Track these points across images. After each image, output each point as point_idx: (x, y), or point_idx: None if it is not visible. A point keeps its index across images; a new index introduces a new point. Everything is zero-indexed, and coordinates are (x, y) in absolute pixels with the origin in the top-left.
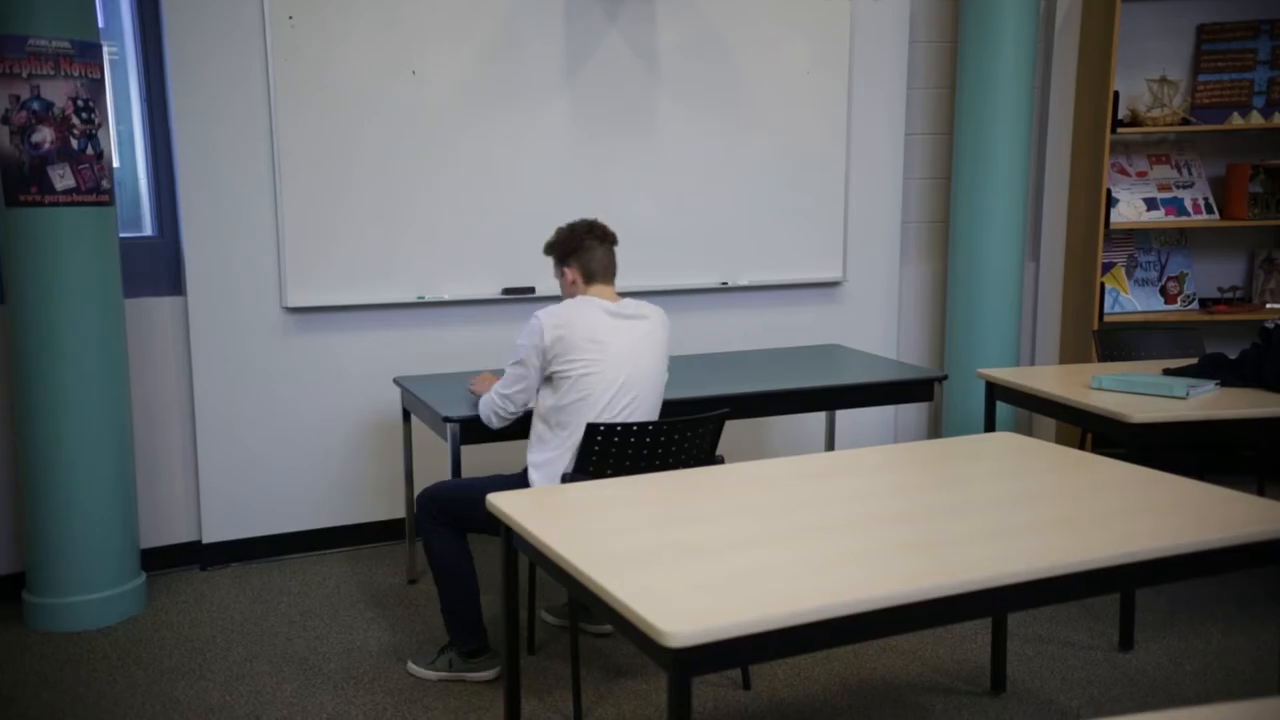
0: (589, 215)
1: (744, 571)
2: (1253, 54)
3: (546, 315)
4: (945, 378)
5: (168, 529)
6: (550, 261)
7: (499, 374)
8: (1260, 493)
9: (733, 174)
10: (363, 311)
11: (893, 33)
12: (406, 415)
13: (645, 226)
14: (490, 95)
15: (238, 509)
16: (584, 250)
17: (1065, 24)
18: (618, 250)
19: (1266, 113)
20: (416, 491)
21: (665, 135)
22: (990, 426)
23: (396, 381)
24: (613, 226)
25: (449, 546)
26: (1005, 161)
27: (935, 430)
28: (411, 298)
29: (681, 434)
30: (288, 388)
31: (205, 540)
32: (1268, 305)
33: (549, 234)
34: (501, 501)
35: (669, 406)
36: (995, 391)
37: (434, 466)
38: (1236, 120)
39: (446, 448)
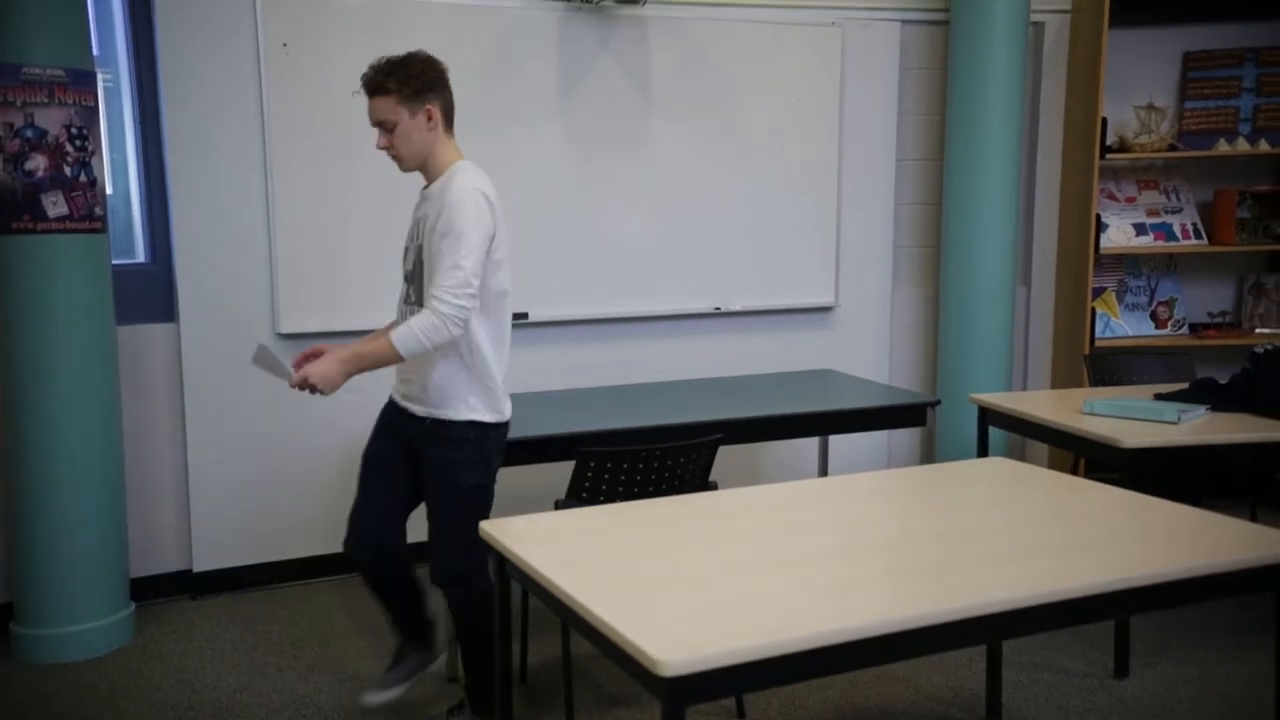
0: (584, 238)
1: (738, 599)
2: (1238, 81)
3: (483, 182)
4: (938, 403)
5: (158, 558)
6: (397, 107)
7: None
8: (1253, 518)
9: (726, 198)
10: (357, 337)
11: (883, 60)
12: None
13: (638, 250)
14: (484, 119)
15: (229, 537)
16: (446, 85)
17: (1053, 51)
18: (611, 273)
19: (1252, 139)
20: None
21: (658, 159)
22: (983, 451)
23: None
24: (606, 250)
25: (489, 596)
26: (996, 186)
27: (929, 455)
28: None
29: (675, 460)
30: (280, 414)
31: (196, 569)
32: (1257, 330)
33: (543, 258)
34: (494, 529)
35: (662, 431)
36: (988, 416)
37: None
38: (1223, 146)
39: None
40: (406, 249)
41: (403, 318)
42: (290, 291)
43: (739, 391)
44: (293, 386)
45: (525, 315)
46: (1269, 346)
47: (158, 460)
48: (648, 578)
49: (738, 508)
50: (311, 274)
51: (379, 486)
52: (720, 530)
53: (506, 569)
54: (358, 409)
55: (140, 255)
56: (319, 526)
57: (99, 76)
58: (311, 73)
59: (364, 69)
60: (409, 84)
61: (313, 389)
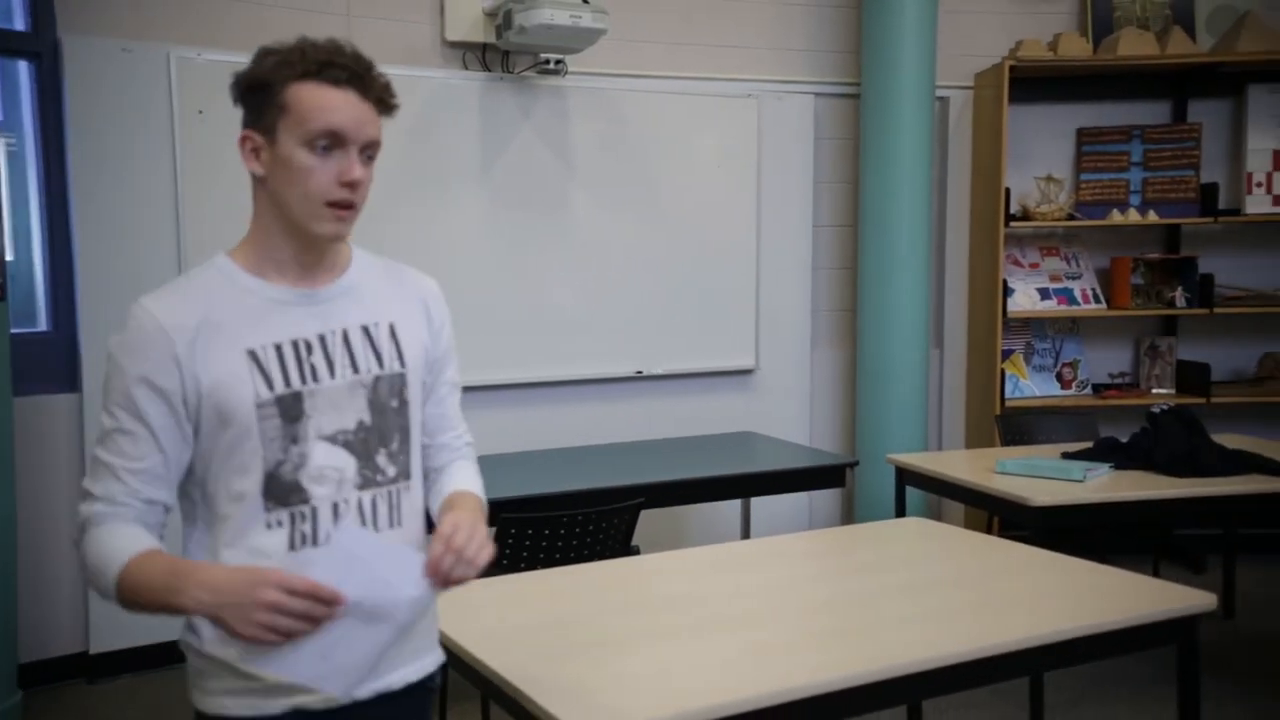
0: (505, 304)
1: (661, 665)
2: (1126, 156)
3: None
4: (856, 463)
5: (53, 640)
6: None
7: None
8: (1155, 572)
9: (647, 263)
10: None
11: (798, 130)
12: None
13: (560, 315)
14: (403, 186)
15: (128, 616)
16: None
17: (958, 124)
18: (532, 338)
19: (1142, 210)
20: None
21: (581, 225)
22: (901, 511)
23: None
24: (528, 315)
25: None
26: (907, 253)
27: (848, 515)
28: None
29: (597, 524)
30: None
31: (93, 650)
32: (1153, 390)
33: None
34: None
35: (584, 496)
36: (905, 476)
37: None
38: (1116, 216)
39: None
40: (297, 395)
41: (354, 516)
42: None
43: (661, 455)
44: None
45: None
46: (1165, 407)
47: (55, 536)
48: (569, 646)
49: (660, 572)
50: None
51: None
52: (642, 595)
53: None
54: None
55: (42, 323)
56: None
57: (2, 141)
58: (230, 139)
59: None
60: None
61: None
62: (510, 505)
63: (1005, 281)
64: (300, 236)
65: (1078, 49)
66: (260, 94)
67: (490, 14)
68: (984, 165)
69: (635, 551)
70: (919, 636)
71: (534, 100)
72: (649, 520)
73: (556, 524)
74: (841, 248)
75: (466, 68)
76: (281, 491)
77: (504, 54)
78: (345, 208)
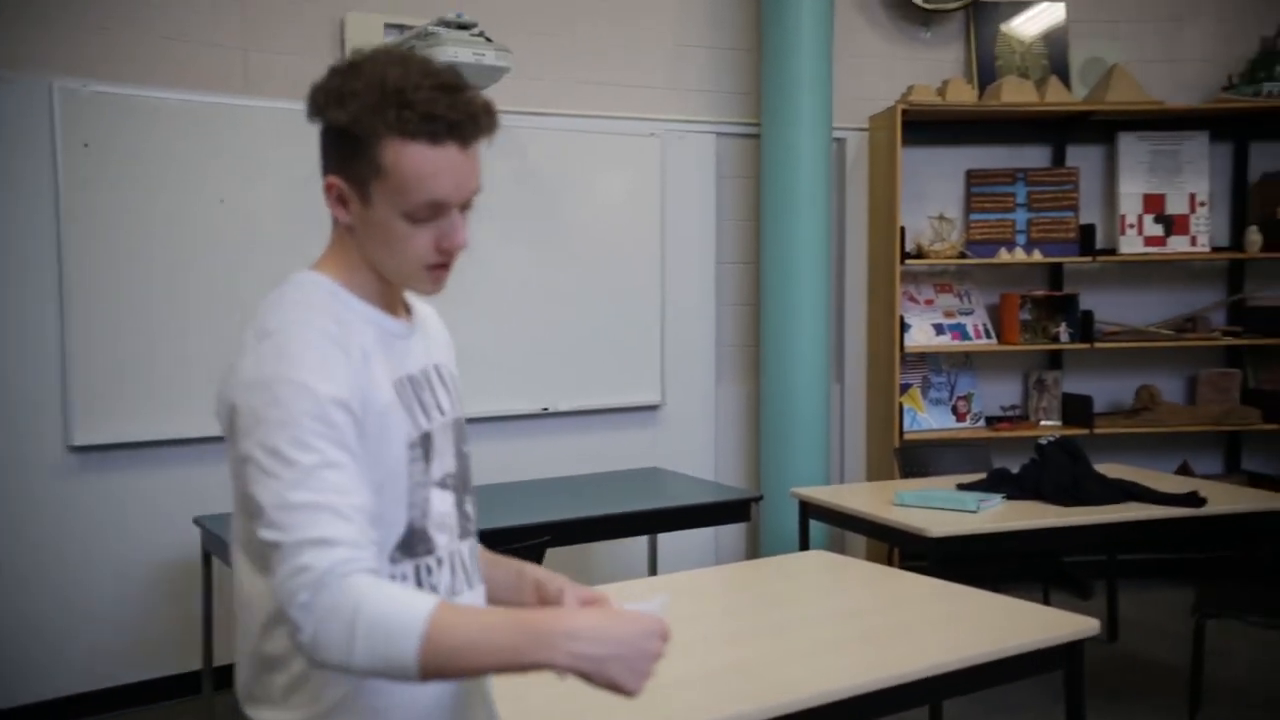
0: None
1: (561, 706)
2: (1012, 197)
3: None
4: (760, 498)
5: None
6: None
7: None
8: (1045, 599)
9: (553, 300)
10: (160, 448)
11: (701, 168)
12: (207, 558)
13: (466, 353)
14: (305, 222)
15: (17, 672)
16: None
17: (855, 164)
18: None
19: (1028, 249)
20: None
21: (486, 262)
22: (805, 544)
23: (197, 521)
24: None
25: None
26: (807, 289)
27: (754, 549)
28: (218, 431)
29: None
30: (74, 535)
31: None
32: (1041, 423)
33: None
34: None
35: (488, 535)
36: (808, 510)
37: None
38: (1004, 255)
39: None
40: (429, 434)
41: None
42: (85, 400)
43: (567, 492)
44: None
45: None
46: (1051, 438)
47: None
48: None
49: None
50: (110, 381)
51: None
52: None
53: None
54: (163, 523)
55: None
56: (120, 654)
57: None
58: (115, 172)
59: (174, 170)
60: None
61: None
62: None
63: (902, 318)
64: (390, 281)
65: (964, 95)
66: (348, 141)
67: None
68: (880, 204)
69: None
70: (821, 669)
71: None
72: (556, 558)
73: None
74: (744, 284)
75: None
76: (412, 542)
77: None
78: (444, 267)
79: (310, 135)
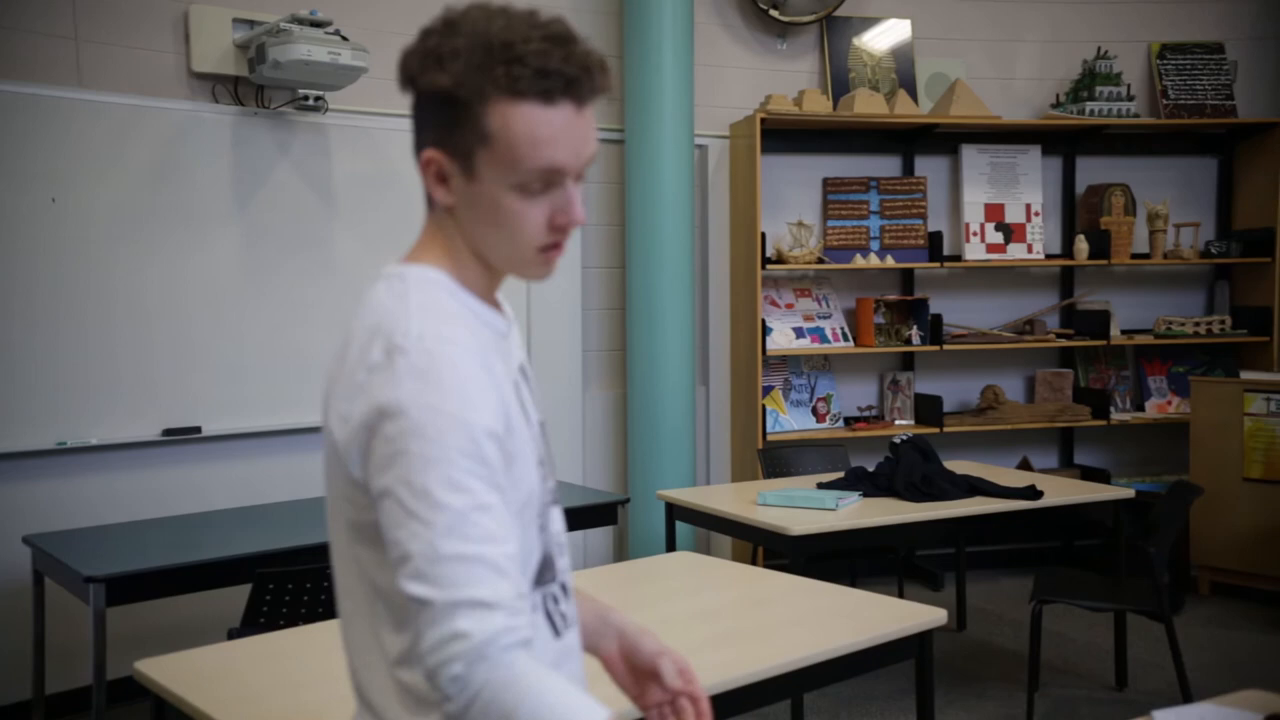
0: (262, 346)
1: None
2: (866, 205)
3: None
4: (627, 500)
5: None
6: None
7: None
8: (900, 592)
9: None
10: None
11: None
12: (39, 579)
13: (321, 358)
14: (148, 224)
15: None
16: None
17: (716, 170)
18: (292, 382)
19: (881, 255)
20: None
21: (343, 265)
22: (671, 546)
23: (26, 540)
24: (286, 358)
25: None
26: (672, 294)
27: (621, 551)
28: (50, 444)
29: None
30: None
31: None
32: (896, 422)
33: (218, 367)
34: (150, 669)
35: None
36: (674, 511)
37: (74, 637)
38: (859, 260)
39: (88, 612)
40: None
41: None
42: None
43: None
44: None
45: (198, 429)
46: (904, 437)
47: None
48: (335, 707)
49: None
50: None
51: None
52: None
53: (166, 714)
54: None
55: None
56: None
57: None
58: None
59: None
60: None
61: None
62: (267, 559)
63: (764, 321)
64: (495, 268)
65: (820, 106)
66: (449, 107)
67: (242, 46)
68: (741, 211)
69: None
70: None
71: (292, 137)
72: None
73: (320, 577)
74: (611, 289)
75: (217, 100)
76: (544, 569)
77: (259, 88)
78: (557, 247)
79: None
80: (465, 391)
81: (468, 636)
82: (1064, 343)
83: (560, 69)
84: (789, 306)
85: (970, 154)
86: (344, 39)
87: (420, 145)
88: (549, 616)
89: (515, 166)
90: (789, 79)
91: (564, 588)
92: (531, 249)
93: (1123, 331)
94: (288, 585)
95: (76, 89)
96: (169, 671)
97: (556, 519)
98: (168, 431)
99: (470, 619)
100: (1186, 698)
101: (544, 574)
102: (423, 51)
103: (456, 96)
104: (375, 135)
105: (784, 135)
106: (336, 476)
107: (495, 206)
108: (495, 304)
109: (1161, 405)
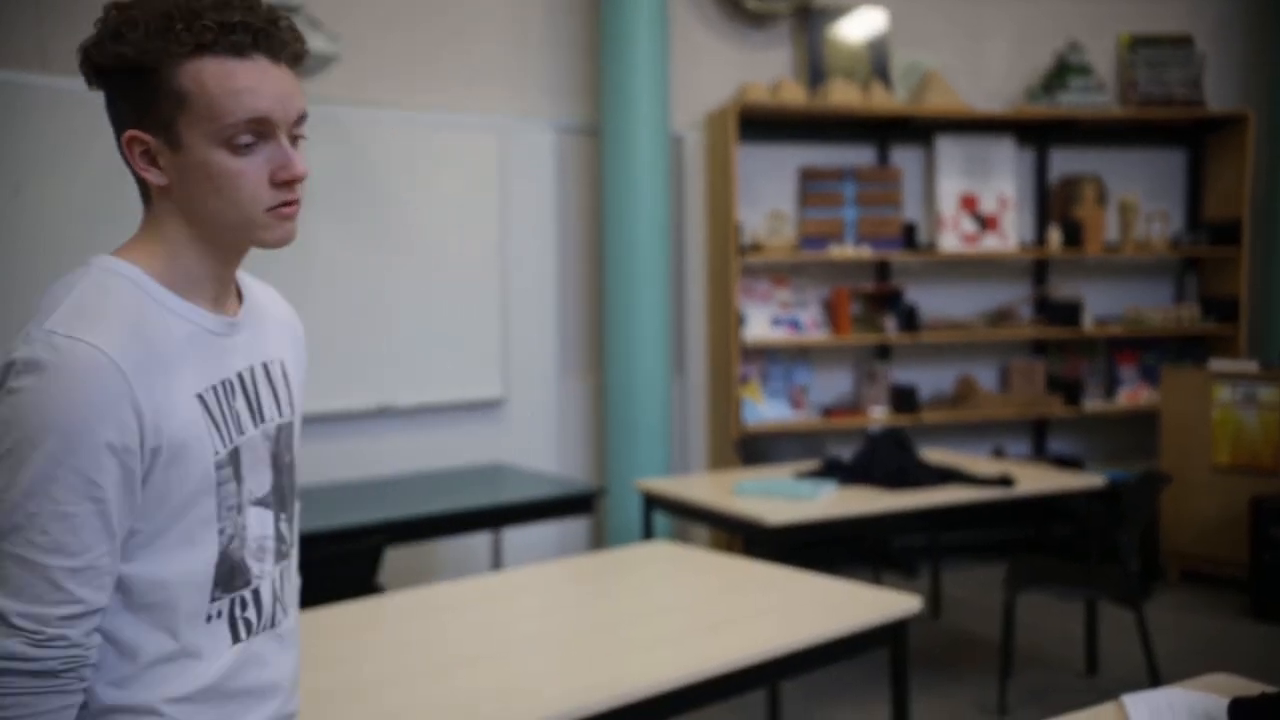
0: None
1: (407, 709)
2: (842, 195)
3: None
4: (604, 491)
5: None
6: None
7: None
8: (877, 581)
9: (389, 294)
10: None
11: (541, 163)
12: None
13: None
14: (116, 216)
15: None
16: None
17: (693, 161)
18: None
19: (857, 245)
20: None
21: (315, 255)
22: (648, 535)
23: None
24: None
25: None
26: (648, 284)
27: (599, 541)
28: None
29: (335, 566)
30: None
31: None
32: (872, 411)
33: None
34: None
35: (323, 537)
36: (651, 501)
37: None
38: (835, 251)
39: None
40: (237, 450)
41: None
42: None
43: (406, 490)
44: None
45: None
46: (881, 427)
47: None
48: (308, 694)
49: (407, 611)
50: None
51: None
52: (379, 639)
53: None
54: None
55: None
56: None
57: None
58: None
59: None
60: None
61: None
62: None
63: (740, 311)
64: (222, 252)
65: (795, 96)
66: (138, 80)
67: None
68: (717, 201)
69: (380, 591)
70: (663, 658)
71: None
72: (398, 557)
73: None
74: (587, 279)
75: None
76: (228, 574)
77: None
78: (288, 205)
79: (106, 125)
80: (80, 396)
81: None
82: (1037, 333)
83: (245, 21)
84: (765, 296)
85: (945, 144)
86: (314, 25)
87: (120, 131)
88: (232, 623)
89: (218, 120)
90: (765, 69)
91: (257, 594)
92: (258, 210)
93: (1094, 322)
94: None
95: (42, 74)
96: None
97: (260, 522)
98: None
99: None
100: (1155, 683)
101: (232, 580)
102: (99, 35)
103: (143, 65)
104: (346, 124)
105: (760, 125)
106: None
107: (208, 170)
108: (221, 304)
109: (1132, 395)
